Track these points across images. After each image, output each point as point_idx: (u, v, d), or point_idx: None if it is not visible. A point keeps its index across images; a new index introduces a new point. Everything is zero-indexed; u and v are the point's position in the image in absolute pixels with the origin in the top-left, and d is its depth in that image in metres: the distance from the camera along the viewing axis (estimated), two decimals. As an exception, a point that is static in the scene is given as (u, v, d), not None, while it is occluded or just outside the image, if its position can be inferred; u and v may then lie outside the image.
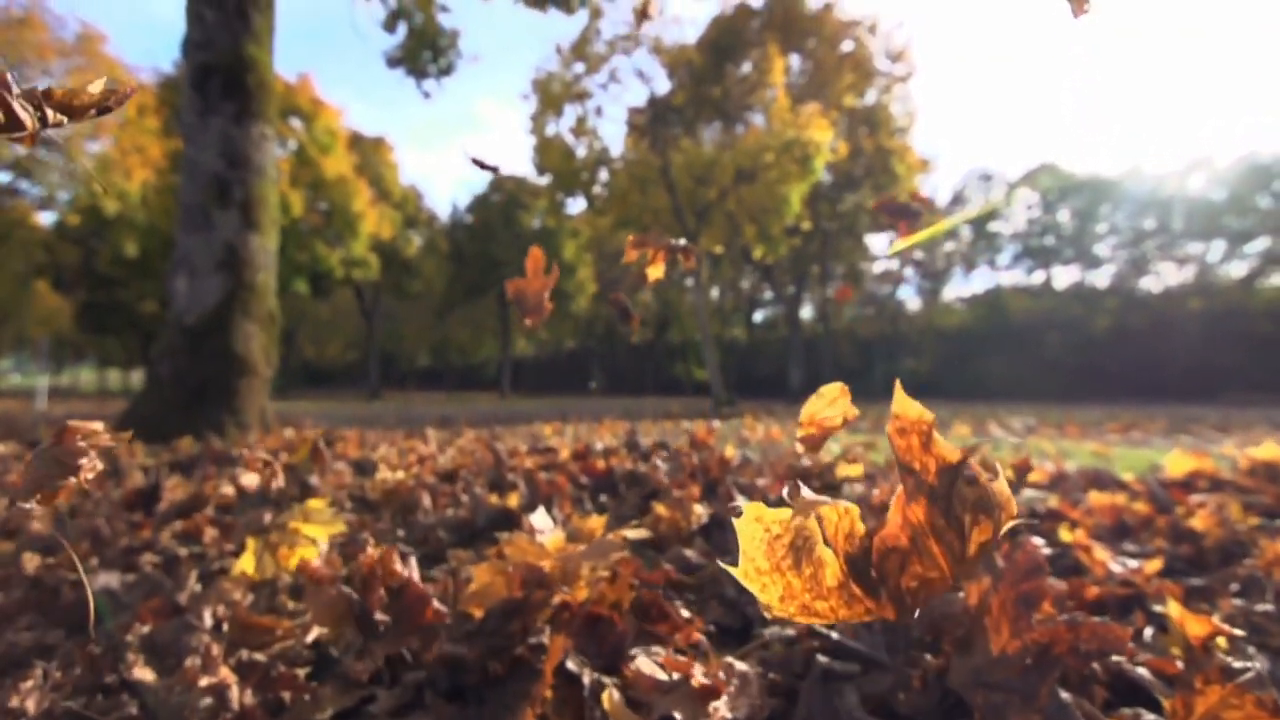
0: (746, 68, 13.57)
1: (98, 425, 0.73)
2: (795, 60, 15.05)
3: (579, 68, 10.89)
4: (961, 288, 34.29)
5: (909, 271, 30.05)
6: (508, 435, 6.50)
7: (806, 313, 23.26)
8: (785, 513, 0.53)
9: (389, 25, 8.57)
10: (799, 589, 0.53)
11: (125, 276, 20.93)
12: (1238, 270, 26.15)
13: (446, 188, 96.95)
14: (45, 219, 19.83)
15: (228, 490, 2.20)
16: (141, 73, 18.11)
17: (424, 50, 8.63)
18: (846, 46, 15.13)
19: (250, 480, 2.20)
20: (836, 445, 5.06)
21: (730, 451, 2.23)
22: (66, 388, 46.84)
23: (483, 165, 1.27)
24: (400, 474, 2.08)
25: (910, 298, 30.81)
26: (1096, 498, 1.84)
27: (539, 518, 1.33)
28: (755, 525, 0.53)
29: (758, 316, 33.22)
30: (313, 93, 19.83)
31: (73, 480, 0.69)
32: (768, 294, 28.13)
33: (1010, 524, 0.50)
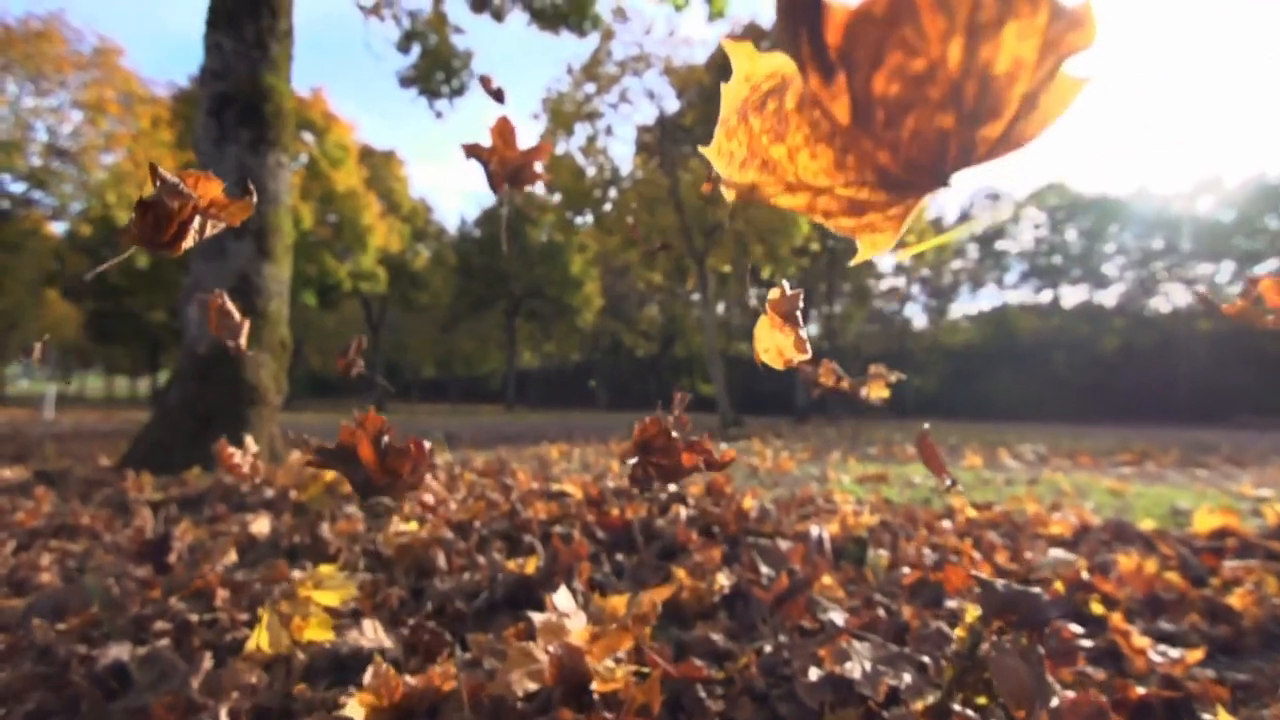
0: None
1: (213, 184, 0.64)
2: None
3: (590, 88, 10.97)
4: (968, 305, 34.20)
5: (916, 289, 30.04)
6: (514, 459, 6.46)
7: (812, 329, 23.19)
8: (777, 58, 0.37)
9: (403, 46, 8.64)
10: (759, 131, 0.40)
11: (134, 286, 21.05)
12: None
13: (454, 200, 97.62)
14: (57, 228, 19.98)
15: (240, 534, 2.17)
16: (156, 86, 18.31)
17: (437, 71, 8.69)
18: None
19: (261, 528, 2.17)
20: (847, 476, 5.01)
21: (749, 503, 2.19)
22: (73, 395, 47.02)
23: (495, 94, 1.24)
24: (413, 524, 2.05)
25: (917, 315, 30.76)
26: (1126, 564, 1.80)
27: (562, 598, 1.30)
28: (743, 85, 0.40)
29: (763, 332, 33.13)
30: (326, 107, 20.00)
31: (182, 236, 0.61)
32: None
33: (1082, 75, 0.24)
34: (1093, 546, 2.21)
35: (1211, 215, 27.09)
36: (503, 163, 1.08)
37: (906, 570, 1.48)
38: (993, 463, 6.17)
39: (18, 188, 17.34)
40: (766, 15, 18.30)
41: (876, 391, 1.31)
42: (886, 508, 3.17)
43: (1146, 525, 2.90)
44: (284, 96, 3.93)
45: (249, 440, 1.57)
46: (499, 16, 8.11)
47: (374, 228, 20.81)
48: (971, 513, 2.15)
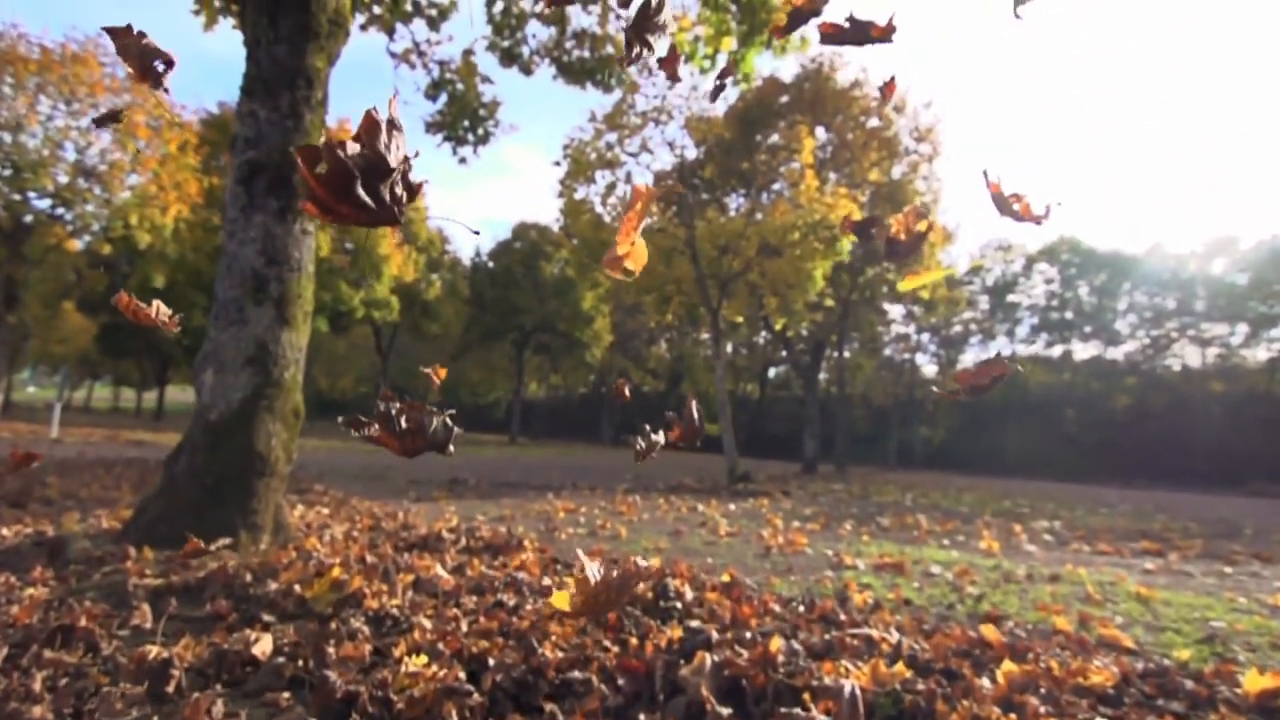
0: (774, 139, 13.78)
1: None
2: (821, 133, 15.29)
3: (611, 137, 11.14)
4: (979, 356, 34.02)
5: (925, 338, 29.97)
6: (520, 514, 6.34)
7: (821, 376, 23.09)
8: None
9: (431, 93, 8.76)
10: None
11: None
12: (1263, 355, 25.80)
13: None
14: (79, 244, 20.22)
15: (243, 653, 2.08)
16: (186, 111, 18.69)
17: (463, 119, 8.80)
18: (873, 123, 15.37)
19: (263, 648, 2.08)
20: (863, 561, 4.87)
21: (776, 644, 2.08)
22: (79, 405, 47.18)
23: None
24: (424, 659, 1.95)
25: (926, 364, 30.64)
26: (1183, 754, 1.68)
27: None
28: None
29: (771, 372, 33.10)
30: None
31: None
32: (783, 351, 28.12)
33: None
34: (1138, 707, 2.08)
35: (1226, 277, 26.94)
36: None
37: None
38: (1009, 545, 6.00)
39: (43, 204, 17.60)
40: (787, 70, 18.61)
41: (918, 227, 1.30)
42: (909, 616, 3.06)
43: (1183, 656, 2.78)
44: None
45: (160, 306, 1.48)
46: (527, 70, 8.24)
47: (390, 257, 20.98)
48: (1011, 667, 2.04)
